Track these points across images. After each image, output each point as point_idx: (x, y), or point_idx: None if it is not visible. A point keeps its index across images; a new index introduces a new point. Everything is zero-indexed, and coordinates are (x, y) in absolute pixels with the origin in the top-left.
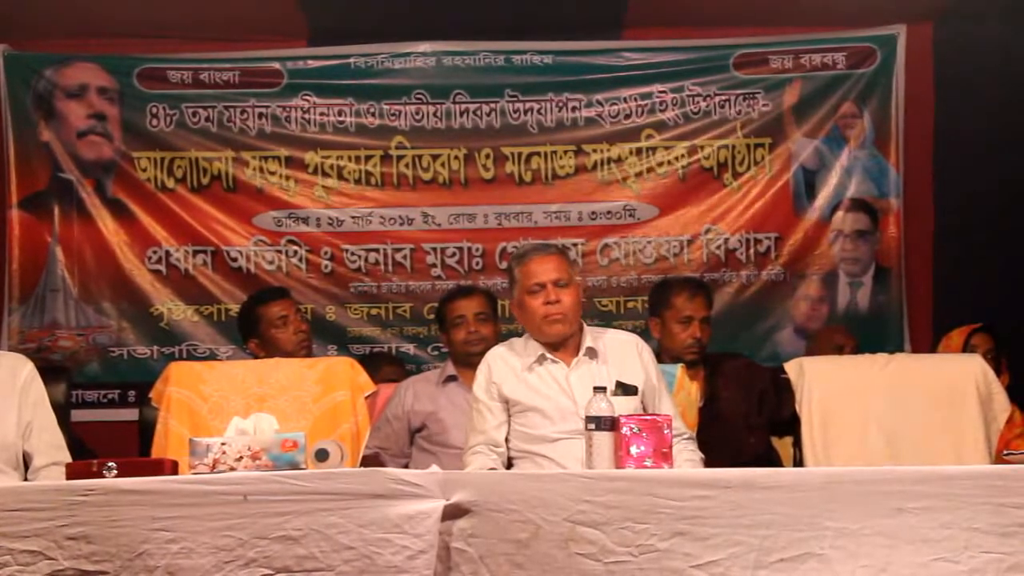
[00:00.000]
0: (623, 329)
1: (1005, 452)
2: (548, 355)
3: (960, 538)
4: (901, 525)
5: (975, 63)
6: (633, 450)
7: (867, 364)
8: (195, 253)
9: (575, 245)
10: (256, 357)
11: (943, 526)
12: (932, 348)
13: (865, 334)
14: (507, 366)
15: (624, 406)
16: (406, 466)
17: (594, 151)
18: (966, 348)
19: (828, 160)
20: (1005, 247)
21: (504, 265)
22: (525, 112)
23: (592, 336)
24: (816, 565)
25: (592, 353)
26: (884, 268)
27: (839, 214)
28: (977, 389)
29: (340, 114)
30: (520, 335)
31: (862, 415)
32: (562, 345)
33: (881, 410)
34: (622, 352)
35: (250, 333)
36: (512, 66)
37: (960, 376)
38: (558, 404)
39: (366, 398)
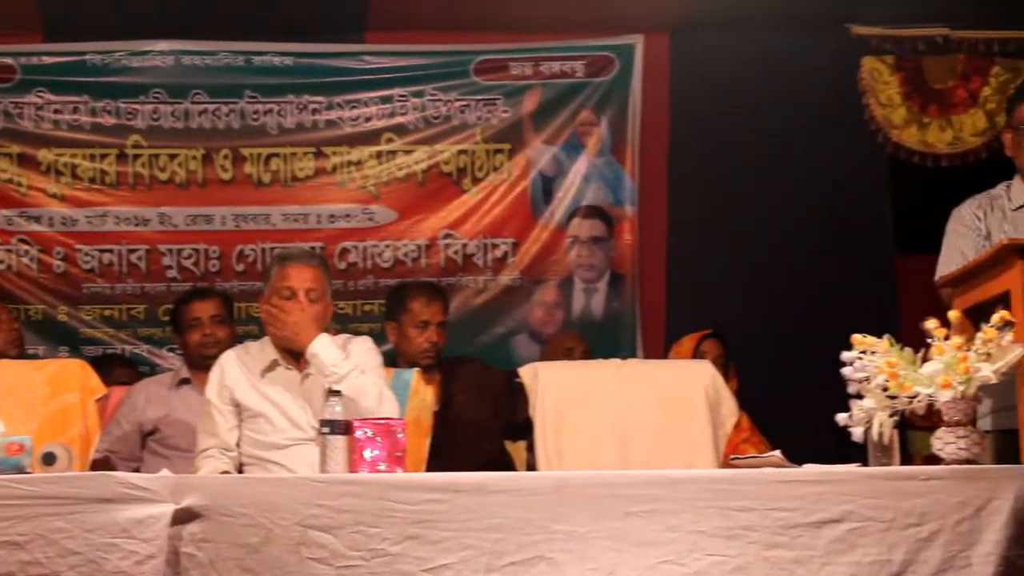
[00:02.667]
0: (360, 332)
1: (732, 457)
2: (282, 361)
3: (686, 541)
4: (629, 528)
5: (710, 74)
6: (367, 454)
7: (600, 369)
8: None
9: (313, 248)
10: None
11: (670, 529)
12: (664, 354)
13: (599, 339)
14: (240, 370)
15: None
16: (137, 470)
17: (334, 154)
18: (696, 354)
19: (566, 167)
20: (735, 255)
21: (241, 267)
22: (264, 113)
23: None
24: (546, 568)
25: None
26: (619, 274)
27: (575, 220)
28: (706, 394)
29: (75, 111)
30: (257, 338)
31: (594, 420)
32: (298, 352)
33: (613, 415)
34: (354, 358)
35: None
36: (252, 67)
37: (690, 382)
38: (289, 410)
39: (97, 401)
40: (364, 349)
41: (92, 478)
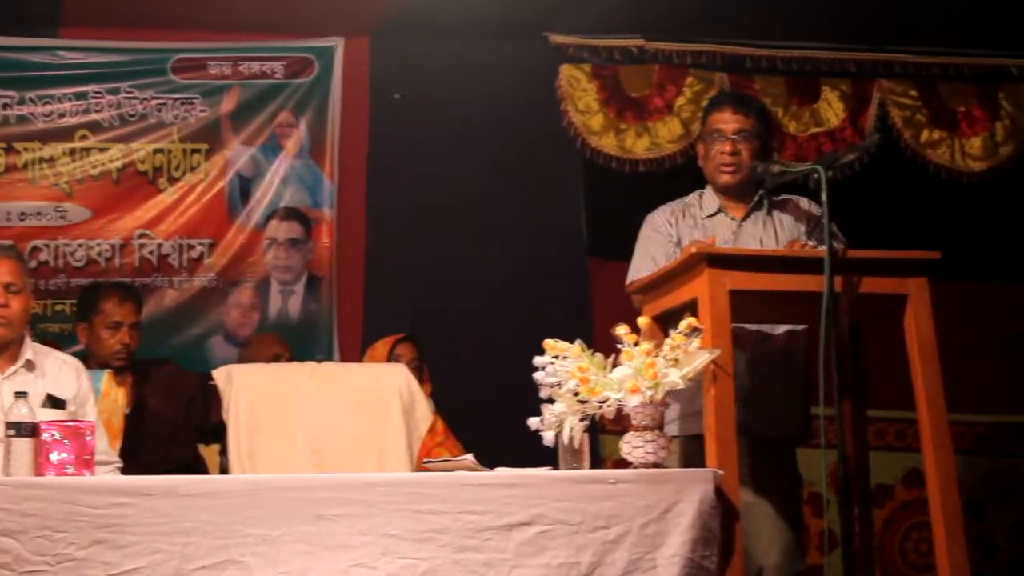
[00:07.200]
0: (50, 333)
1: (425, 460)
2: None
3: (378, 544)
4: (321, 531)
5: (411, 78)
6: (54, 457)
7: (295, 372)
8: None
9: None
10: None
11: (362, 532)
12: (361, 357)
13: (296, 342)
14: None
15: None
16: None
17: (25, 150)
18: (391, 357)
19: (264, 168)
20: (432, 258)
21: None
22: None
23: (34, 350)
24: (237, 572)
25: (31, 366)
26: (316, 277)
27: (273, 222)
28: (401, 398)
29: None
30: None
31: (289, 423)
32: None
33: (308, 418)
34: (62, 371)
35: None
36: None
37: (384, 385)
38: None
39: None
40: (91, 391)
41: None
